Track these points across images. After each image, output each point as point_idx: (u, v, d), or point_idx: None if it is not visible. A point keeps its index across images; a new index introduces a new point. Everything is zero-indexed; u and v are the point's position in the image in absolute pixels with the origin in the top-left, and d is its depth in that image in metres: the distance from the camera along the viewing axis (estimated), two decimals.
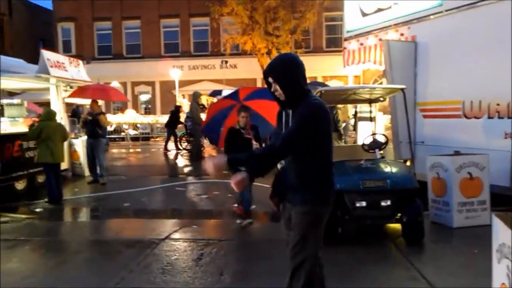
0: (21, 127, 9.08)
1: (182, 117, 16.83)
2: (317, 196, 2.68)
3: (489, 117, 6.40)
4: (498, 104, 6.24)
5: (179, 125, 16.64)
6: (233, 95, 7.25)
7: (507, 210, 5.42)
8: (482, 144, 6.37)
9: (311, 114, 2.59)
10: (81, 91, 10.55)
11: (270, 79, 2.69)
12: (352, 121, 14.21)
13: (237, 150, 5.14)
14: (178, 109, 16.90)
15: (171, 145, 16.19)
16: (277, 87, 2.66)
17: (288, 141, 2.60)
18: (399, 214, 4.94)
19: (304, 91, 2.68)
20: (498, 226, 1.96)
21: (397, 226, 5.13)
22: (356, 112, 12.63)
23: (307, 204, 2.66)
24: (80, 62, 10.88)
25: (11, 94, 13.23)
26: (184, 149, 15.88)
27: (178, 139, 16.34)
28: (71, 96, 10.38)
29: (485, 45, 6.43)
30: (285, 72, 2.65)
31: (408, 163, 6.21)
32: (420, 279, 3.95)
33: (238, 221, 6.03)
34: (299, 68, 2.68)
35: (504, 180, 6.00)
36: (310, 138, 2.59)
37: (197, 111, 12.82)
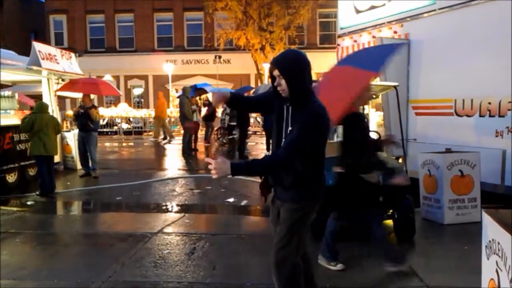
0: (12, 119, 9.00)
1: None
2: (308, 194, 2.68)
3: (481, 116, 6.46)
4: (489, 103, 6.30)
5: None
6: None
7: (497, 207, 5.51)
8: (474, 142, 6.44)
9: (313, 124, 2.53)
10: (71, 85, 10.46)
11: (276, 72, 2.60)
12: None
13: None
14: (211, 103, 16.79)
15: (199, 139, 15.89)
16: (282, 82, 2.57)
17: (290, 156, 2.51)
18: (390, 211, 4.98)
19: (309, 91, 2.63)
20: (488, 223, 1.99)
21: (389, 222, 5.17)
22: None
23: (297, 202, 2.67)
24: (72, 54, 10.78)
25: (1, 86, 13.09)
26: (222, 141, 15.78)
27: (214, 132, 16.32)
28: (61, 89, 10.29)
29: (478, 43, 6.47)
30: (295, 67, 2.58)
31: (400, 160, 6.25)
32: (411, 275, 3.99)
33: None
34: (308, 66, 2.63)
35: (494, 178, 6.07)
36: (311, 143, 2.56)
37: (187, 106, 12.78)
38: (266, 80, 20.72)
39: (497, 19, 6.09)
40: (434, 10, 7.22)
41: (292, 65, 2.58)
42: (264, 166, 2.56)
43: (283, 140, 2.64)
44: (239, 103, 3.01)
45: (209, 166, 2.44)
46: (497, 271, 1.86)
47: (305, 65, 2.61)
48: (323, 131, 2.61)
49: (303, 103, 2.58)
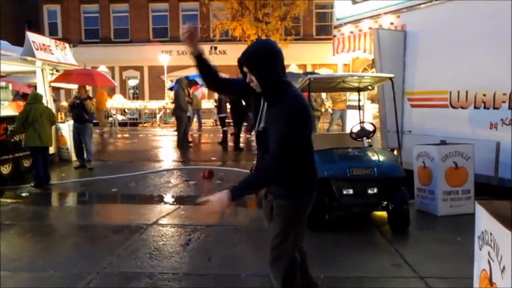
0: (7, 110, 8.94)
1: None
2: (300, 189, 2.60)
3: (475, 108, 6.48)
4: (484, 95, 6.31)
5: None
6: None
7: (491, 199, 5.54)
8: (468, 134, 6.46)
9: (291, 117, 2.36)
10: (65, 76, 10.38)
11: (245, 69, 2.46)
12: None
13: None
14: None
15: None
16: (253, 78, 2.43)
17: (280, 161, 2.39)
18: (385, 202, 5.01)
19: (282, 83, 2.44)
20: (481, 214, 2.00)
21: (383, 214, 5.20)
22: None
23: (290, 197, 2.59)
24: (67, 45, 10.69)
25: None
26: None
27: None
28: (55, 80, 10.22)
29: (474, 36, 6.47)
30: (260, 60, 2.39)
31: (395, 152, 6.28)
32: (404, 266, 4.03)
33: None
34: (276, 56, 2.42)
35: (488, 169, 6.10)
36: (297, 141, 2.42)
37: (183, 97, 12.74)
38: None
39: (494, 11, 6.08)
40: (431, 1, 7.20)
41: (259, 59, 2.40)
42: (259, 181, 2.52)
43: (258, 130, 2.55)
44: (208, 70, 2.74)
45: (206, 206, 2.40)
46: (489, 262, 1.88)
47: (273, 56, 2.41)
48: (303, 122, 2.44)
49: (277, 96, 2.43)
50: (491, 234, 1.85)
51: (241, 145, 12.51)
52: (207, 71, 2.73)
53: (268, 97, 2.49)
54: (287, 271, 2.61)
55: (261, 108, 2.55)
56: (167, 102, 21.77)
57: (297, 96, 2.47)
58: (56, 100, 9.56)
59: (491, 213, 1.86)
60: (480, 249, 2.01)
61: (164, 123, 22.42)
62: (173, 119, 18.20)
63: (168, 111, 21.11)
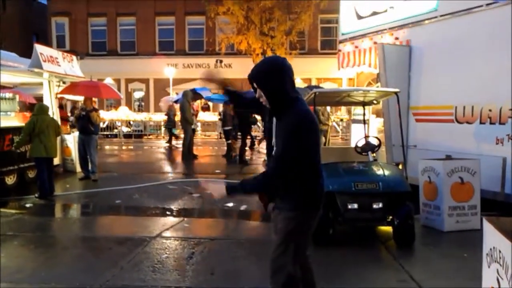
0: (13, 121, 9.00)
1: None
2: (304, 202, 2.61)
3: (481, 123, 6.45)
4: (490, 110, 6.29)
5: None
6: None
7: (497, 215, 5.49)
8: (474, 149, 6.43)
9: (296, 131, 2.43)
10: (71, 88, 10.46)
11: (255, 85, 2.56)
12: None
13: None
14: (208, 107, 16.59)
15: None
16: (262, 94, 2.51)
17: (281, 169, 2.49)
18: (390, 217, 4.97)
19: (290, 99, 2.50)
20: (489, 231, 1.97)
21: (388, 228, 5.15)
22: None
23: (293, 211, 2.61)
24: (74, 57, 10.80)
25: (2, 87, 13.10)
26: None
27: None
28: (62, 92, 10.30)
29: (479, 50, 6.48)
30: (268, 77, 2.47)
31: (400, 167, 6.24)
32: (410, 282, 3.98)
33: None
34: (284, 72, 2.49)
35: (494, 185, 6.05)
36: (299, 151, 2.47)
37: (188, 109, 12.81)
38: None
39: (499, 27, 6.09)
40: (436, 17, 7.24)
41: (268, 76, 2.47)
42: (256, 184, 2.58)
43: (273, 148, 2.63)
44: (237, 98, 3.01)
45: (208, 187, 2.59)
46: (498, 280, 1.85)
47: (281, 73, 2.48)
48: (308, 136, 2.49)
49: (285, 111, 2.49)
50: (500, 251, 1.82)
51: (246, 157, 12.51)
52: (237, 100, 3.00)
53: (275, 112, 2.55)
54: (285, 285, 2.59)
55: (274, 123, 2.64)
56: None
57: (303, 110, 2.51)
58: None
59: (499, 230, 1.83)
60: (489, 267, 1.98)
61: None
62: (178, 131, 18.22)
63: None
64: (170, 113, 17.83)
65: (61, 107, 14.91)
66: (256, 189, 2.71)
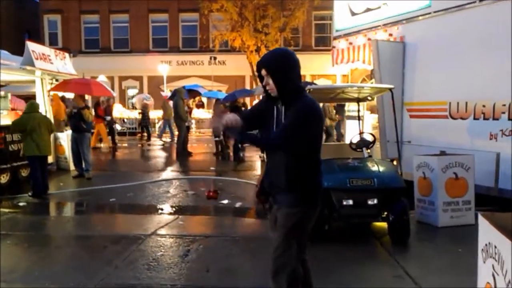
0: (5, 119, 8.91)
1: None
2: (305, 198, 2.62)
3: (475, 118, 6.48)
4: (483, 106, 6.32)
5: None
6: None
7: (491, 210, 5.52)
8: (468, 144, 6.46)
9: (306, 115, 2.52)
10: (63, 85, 10.38)
11: (264, 72, 2.61)
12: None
13: None
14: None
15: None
16: (270, 81, 2.58)
17: (281, 138, 2.54)
18: (385, 213, 4.98)
19: (298, 87, 2.62)
20: (484, 226, 1.97)
21: (383, 224, 5.16)
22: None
23: (294, 206, 2.60)
24: (66, 55, 10.71)
25: None
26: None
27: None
28: (53, 89, 10.22)
29: (473, 47, 6.50)
30: (281, 65, 2.57)
31: (395, 163, 6.26)
32: (405, 277, 3.99)
33: None
34: (295, 64, 2.61)
35: (488, 180, 6.08)
36: (303, 138, 2.53)
37: (182, 107, 12.76)
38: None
39: (492, 23, 6.11)
40: (429, 13, 7.26)
41: (279, 64, 2.58)
42: (256, 140, 2.83)
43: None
44: (250, 122, 2.82)
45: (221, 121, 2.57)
46: (493, 275, 1.84)
47: (293, 63, 2.60)
48: (314, 124, 2.58)
49: (293, 100, 2.57)
50: (495, 247, 1.82)
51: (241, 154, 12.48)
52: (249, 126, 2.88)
53: (284, 100, 2.61)
54: (290, 283, 2.58)
55: (275, 113, 2.67)
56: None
57: (311, 99, 2.62)
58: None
59: (495, 225, 1.83)
60: (484, 262, 1.97)
61: (164, 133, 22.36)
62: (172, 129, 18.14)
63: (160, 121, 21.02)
64: (144, 111, 18.16)
65: (98, 104, 14.89)
66: (252, 142, 2.88)
